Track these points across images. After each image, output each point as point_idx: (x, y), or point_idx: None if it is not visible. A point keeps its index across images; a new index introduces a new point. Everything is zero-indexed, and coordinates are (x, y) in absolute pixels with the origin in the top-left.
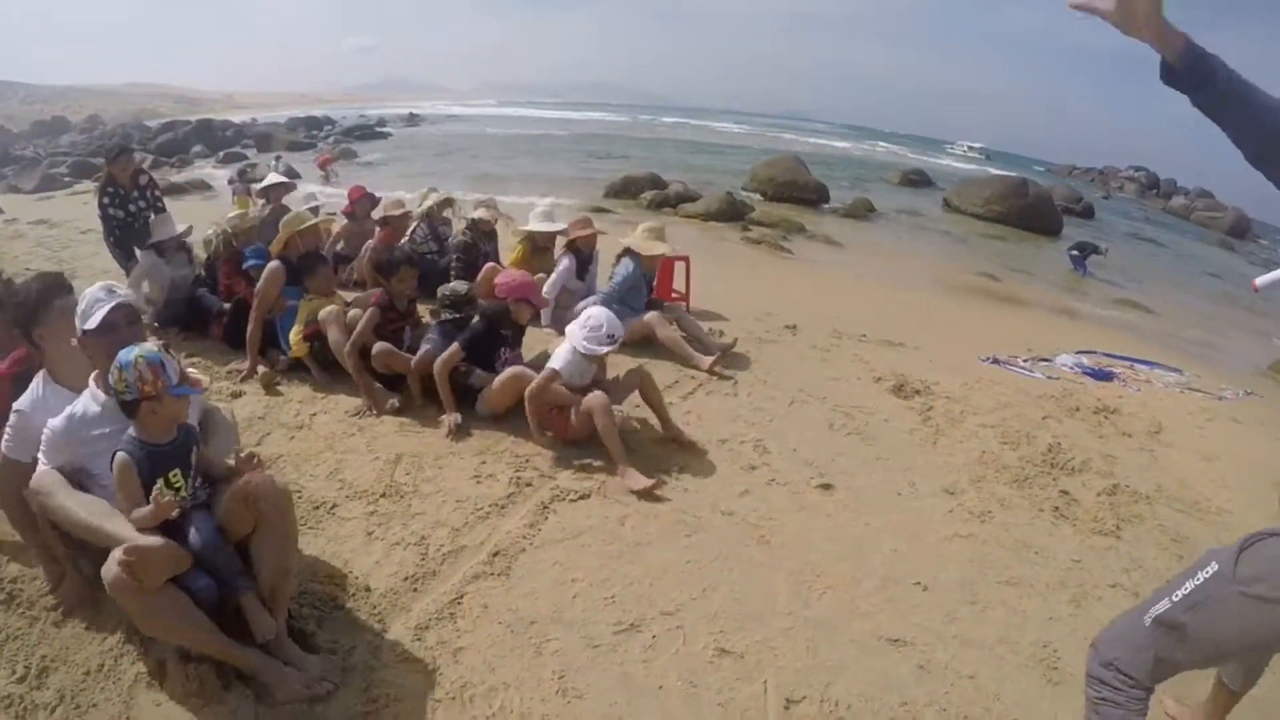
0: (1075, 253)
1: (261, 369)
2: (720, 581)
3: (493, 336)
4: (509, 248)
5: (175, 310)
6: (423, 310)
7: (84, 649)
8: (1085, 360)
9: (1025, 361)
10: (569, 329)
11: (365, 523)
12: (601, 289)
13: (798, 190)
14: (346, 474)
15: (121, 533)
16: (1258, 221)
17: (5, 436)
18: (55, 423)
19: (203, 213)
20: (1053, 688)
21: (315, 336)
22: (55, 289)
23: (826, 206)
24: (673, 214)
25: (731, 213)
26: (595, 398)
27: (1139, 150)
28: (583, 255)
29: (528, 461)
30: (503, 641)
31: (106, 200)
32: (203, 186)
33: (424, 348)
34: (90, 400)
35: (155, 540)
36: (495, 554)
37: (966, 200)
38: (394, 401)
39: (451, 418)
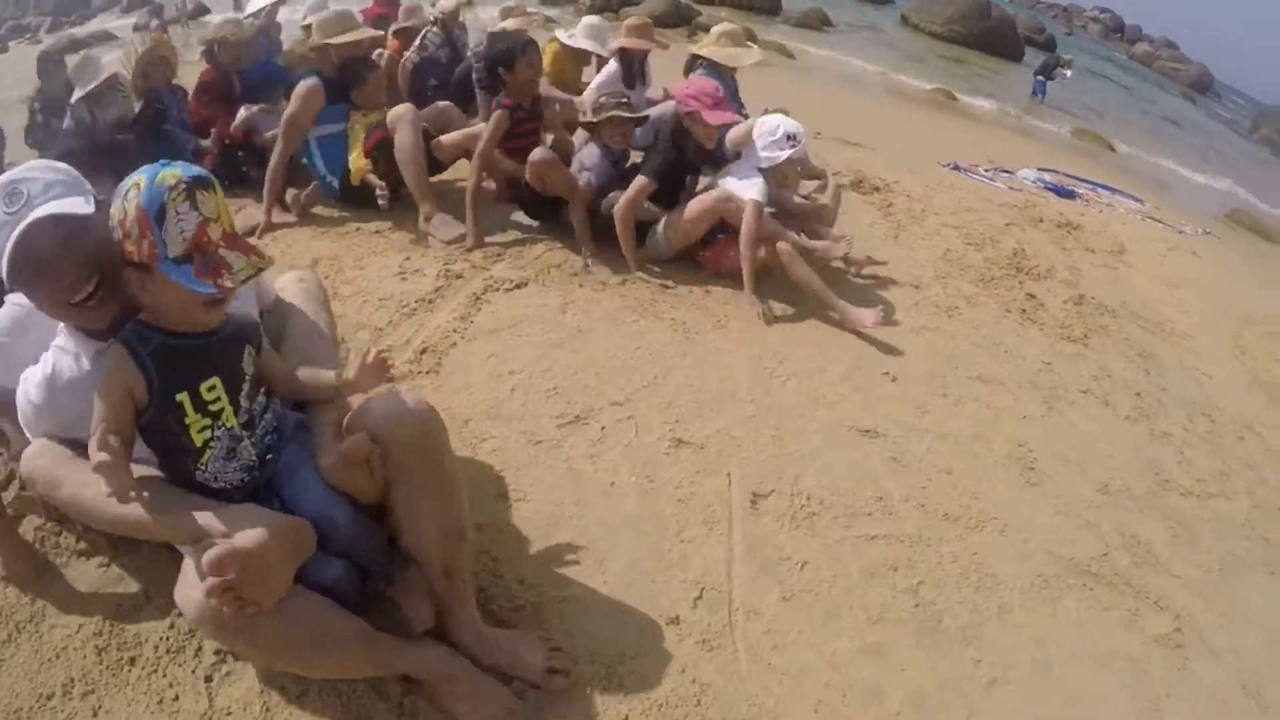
0: (1040, 77)
1: (283, 216)
2: (673, 367)
3: (681, 163)
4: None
5: (119, 156)
6: None
7: None
8: (1047, 177)
9: (987, 170)
10: (746, 151)
11: None
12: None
13: None
14: None
15: (190, 524)
16: (1219, 81)
17: None
18: (32, 391)
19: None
20: (1030, 488)
21: (380, 145)
22: None
23: (779, 16)
24: (613, 18)
25: (676, 17)
26: (785, 247)
27: None
28: (633, 61)
29: (459, 250)
30: None
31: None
32: (106, 38)
33: (583, 174)
34: (70, 353)
35: (260, 529)
36: (423, 351)
37: (926, 18)
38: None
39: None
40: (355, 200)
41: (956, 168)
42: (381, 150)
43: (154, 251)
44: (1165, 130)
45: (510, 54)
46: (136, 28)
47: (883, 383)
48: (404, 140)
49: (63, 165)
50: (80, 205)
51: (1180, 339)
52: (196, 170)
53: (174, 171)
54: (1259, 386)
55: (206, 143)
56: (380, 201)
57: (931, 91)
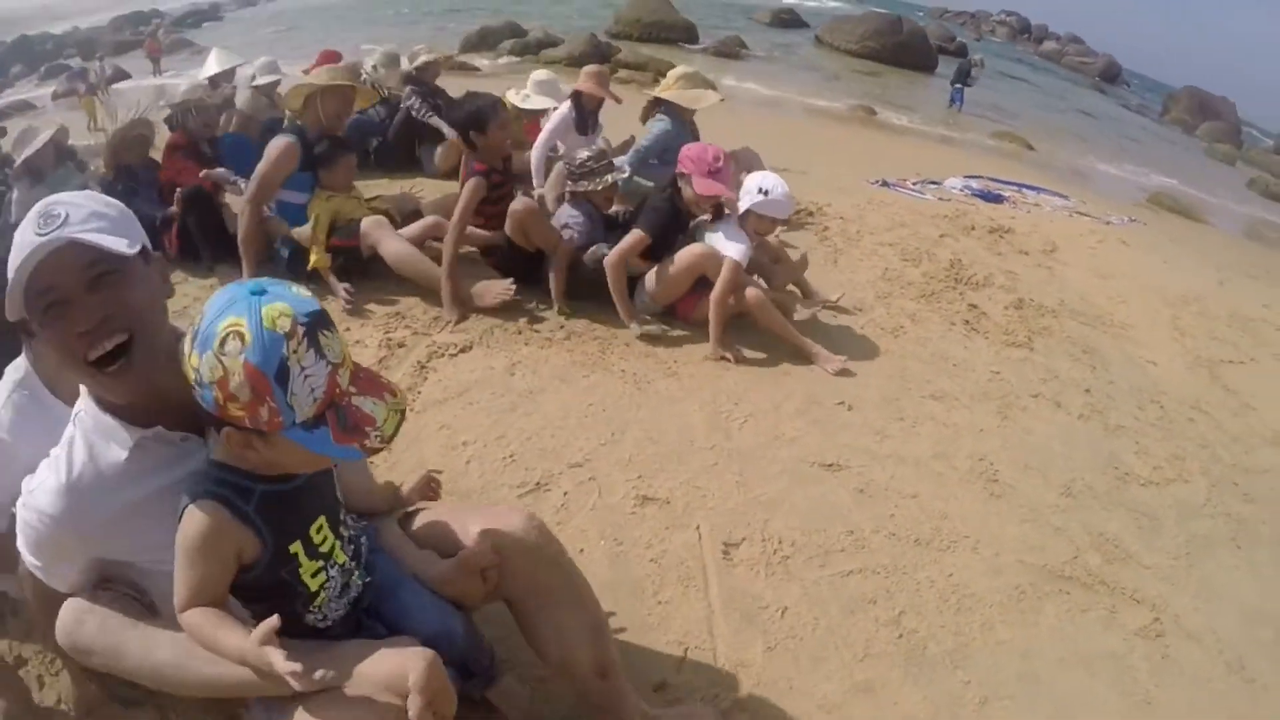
0: (957, 85)
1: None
2: (629, 421)
3: (676, 219)
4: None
5: None
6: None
7: None
8: (974, 184)
9: (914, 184)
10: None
11: None
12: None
13: (665, 30)
14: None
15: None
16: (1127, 69)
17: None
18: (44, 501)
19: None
20: (995, 501)
21: (343, 251)
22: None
23: (695, 46)
24: (535, 61)
25: (596, 55)
26: (754, 294)
27: None
28: (587, 107)
29: (399, 318)
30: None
31: None
32: (24, 107)
33: (567, 232)
34: (83, 447)
35: (430, 661)
36: None
37: (840, 37)
38: (510, 284)
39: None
40: (296, 274)
41: (885, 184)
42: (344, 254)
43: (277, 420)
44: (1080, 124)
45: (481, 116)
46: (55, 96)
47: (839, 413)
48: (392, 251)
49: (113, 200)
50: (122, 246)
51: (1121, 330)
52: (307, 302)
53: (283, 308)
54: (1201, 365)
55: (174, 209)
56: (346, 307)
57: (852, 109)
